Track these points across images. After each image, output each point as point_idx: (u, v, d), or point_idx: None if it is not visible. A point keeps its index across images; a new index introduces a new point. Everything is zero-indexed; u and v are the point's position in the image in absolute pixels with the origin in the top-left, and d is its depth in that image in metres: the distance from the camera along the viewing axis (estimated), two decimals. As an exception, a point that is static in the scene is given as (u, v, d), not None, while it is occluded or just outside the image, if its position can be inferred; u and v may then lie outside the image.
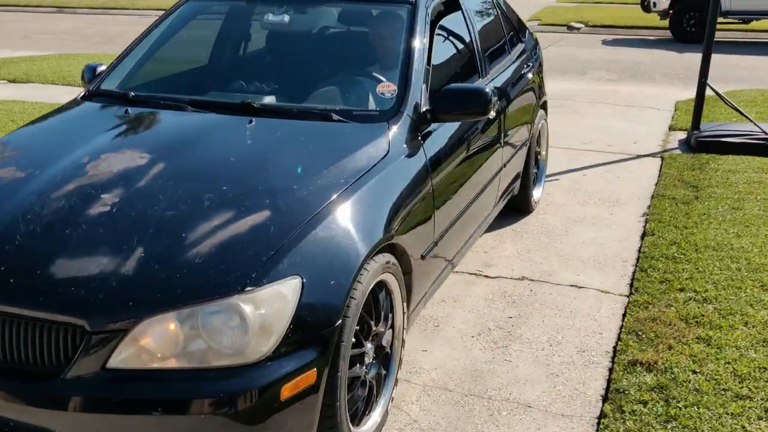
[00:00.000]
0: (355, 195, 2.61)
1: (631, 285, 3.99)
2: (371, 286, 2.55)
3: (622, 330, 3.52)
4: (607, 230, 4.79)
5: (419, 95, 3.19)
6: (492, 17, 4.52)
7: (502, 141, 4.04)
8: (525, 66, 4.73)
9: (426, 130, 3.17)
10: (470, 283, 4.04)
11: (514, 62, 4.56)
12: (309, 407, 2.27)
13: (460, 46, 3.94)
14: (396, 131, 3.02)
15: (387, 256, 2.66)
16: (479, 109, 3.19)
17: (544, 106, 5.11)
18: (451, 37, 3.87)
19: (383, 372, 2.83)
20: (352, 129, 3.00)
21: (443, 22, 3.80)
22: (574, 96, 9.02)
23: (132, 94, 3.34)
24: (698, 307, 3.67)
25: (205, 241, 2.31)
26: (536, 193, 5.16)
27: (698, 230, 4.63)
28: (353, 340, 2.47)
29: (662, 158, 6.35)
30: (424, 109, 3.17)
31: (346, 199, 2.58)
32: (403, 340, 2.94)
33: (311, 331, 2.26)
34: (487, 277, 4.13)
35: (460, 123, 3.47)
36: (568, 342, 3.45)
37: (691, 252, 4.31)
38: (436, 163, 3.15)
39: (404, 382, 3.14)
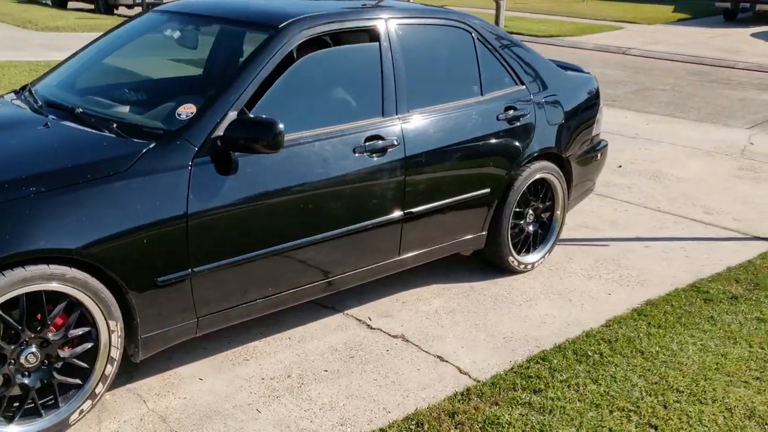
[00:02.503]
0: (29, 203, 2.69)
1: (499, 374, 3.45)
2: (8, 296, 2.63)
3: (408, 417, 3.09)
4: (574, 311, 4.13)
5: (216, 122, 3.13)
6: (451, 55, 4.15)
7: (405, 187, 3.73)
8: (508, 111, 4.24)
9: (208, 157, 3.08)
10: (342, 328, 3.81)
11: (474, 105, 4.12)
12: None
13: (355, 80, 3.72)
14: (156, 152, 3.01)
15: (61, 269, 2.71)
16: (265, 141, 3.05)
17: (552, 158, 4.52)
18: (341, 70, 3.69)
19: (72, 381, 2.88)
20: (113, 143, 3.07)
21: (335, 52, 3.65)
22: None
23: (29, 89, 3.76)
24: (518, 417, 3.08)
25: None
26: (532, 256, 4.61)
27: (668, 332, 3.81)
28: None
29: (780, 247, 5.21)
30: (214, 136, 3.12)
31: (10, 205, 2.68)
32: (110, 357, 2.95)
33: None
34: (368, 327, 3.85)
35: (305, 156, 3.34)
36: (340, 412, 3.13)
37: (615, 355, 3.58)
38: (212, 191, 3.06)
39: (139, 401, 3.14)
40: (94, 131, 3.18)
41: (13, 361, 2.73)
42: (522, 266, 4.54)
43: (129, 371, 3.29)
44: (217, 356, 3.50)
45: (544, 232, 4.70)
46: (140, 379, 3.28)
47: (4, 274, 2.60)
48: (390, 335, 3.77)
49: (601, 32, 17.81)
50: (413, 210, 3.82)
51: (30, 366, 2.77)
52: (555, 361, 3.52)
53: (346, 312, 3.97)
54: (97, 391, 2.96)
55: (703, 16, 20.23)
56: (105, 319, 2.89)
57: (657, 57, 15.05)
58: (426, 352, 3.63)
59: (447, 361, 3.55)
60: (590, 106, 4.89)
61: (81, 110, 3.32)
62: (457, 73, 4.18)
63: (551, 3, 23.57)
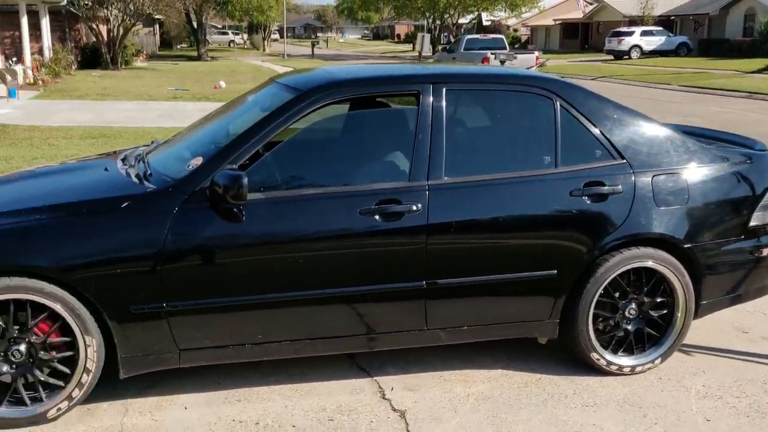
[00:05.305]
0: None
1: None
2: None
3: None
4: (632, 429, 3.43)
5: (210, 174, 3.43)
6: (519, 123, 3.83)
7: (427, 256, 3.57)
8: (591, 187, 3.73)
9: (201, 204, 3.37)
10: (355, 392, 3.72)
11: (539, 178, 3.71)
12: None
13: (380, 144, 3.73)
14: (150, 196, 3.45)
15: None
16: (232, 192, 3.29)
17: (666, 247, 3.80)
18: (364, 133, 3.73)
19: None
20: (130, 185, 3.58)
21: (360, 116, 3.73)
22: None
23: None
24: None
25: None
26: (632, 359, 3.90)
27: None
28: None
29: None
30: (202, 186, 3.42)
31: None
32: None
33: None
34: (382, 396, 3.71)
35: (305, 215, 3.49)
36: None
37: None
38: (193, 234, 3.36)
39: (120, 413, 3.53)
40: (125, 176, 3.74)
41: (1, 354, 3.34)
42: (615, 368, 3.89)
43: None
44: (220, 392, 3.72)
45: (660, 334, 3.96)
46: (133, 398, 3.65)
47: None
48: (393, 409, 3.59)
49: None
50: (438, 281, 3.61)
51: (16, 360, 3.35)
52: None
53: (376, 377, 3.88)
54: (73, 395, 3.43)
55: None
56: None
57: None
58: (407, 432, 3.39)
59: (411, 450, 3.27)
60: (749, 189, 4.02)
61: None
62: (523, 142, 3.84)
63: None
